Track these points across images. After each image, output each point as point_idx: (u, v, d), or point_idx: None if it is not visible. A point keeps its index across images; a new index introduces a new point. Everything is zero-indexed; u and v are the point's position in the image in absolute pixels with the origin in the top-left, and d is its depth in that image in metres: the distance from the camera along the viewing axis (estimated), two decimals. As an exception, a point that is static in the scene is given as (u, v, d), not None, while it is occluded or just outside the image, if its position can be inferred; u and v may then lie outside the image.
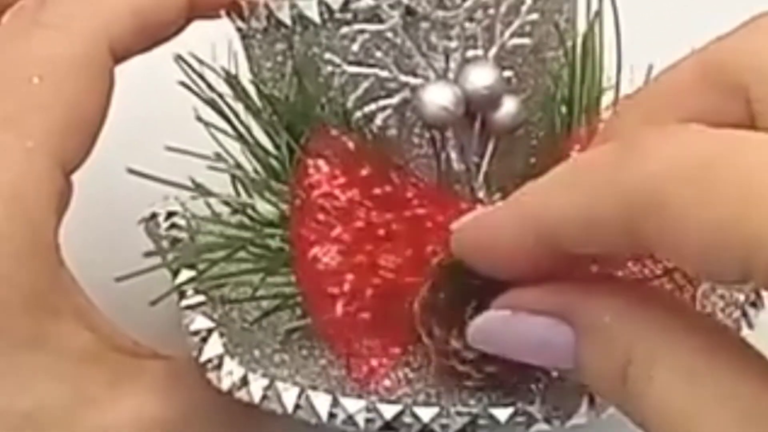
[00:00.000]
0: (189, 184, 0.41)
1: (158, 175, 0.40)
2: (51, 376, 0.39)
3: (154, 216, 0.44)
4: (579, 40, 0.41)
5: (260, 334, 0.40)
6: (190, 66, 0.41)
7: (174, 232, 0.43)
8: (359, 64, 0.39)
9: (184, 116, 0.41)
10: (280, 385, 0.37)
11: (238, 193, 0.42)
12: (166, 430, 0.40)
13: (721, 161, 0.28)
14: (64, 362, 0.39)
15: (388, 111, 0.39)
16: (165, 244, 0.42)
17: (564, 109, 0.41)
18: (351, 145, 0.39)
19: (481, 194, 0.40)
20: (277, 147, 0.40)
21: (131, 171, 0.39)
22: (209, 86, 0.41)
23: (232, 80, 0.40)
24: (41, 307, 0.39)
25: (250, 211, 0.41)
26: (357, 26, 0.39)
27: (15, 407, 0.38)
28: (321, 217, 0.38)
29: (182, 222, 0.43)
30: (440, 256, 0.38)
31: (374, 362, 0.38)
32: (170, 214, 0.44)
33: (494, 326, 0.35)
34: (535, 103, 0.41)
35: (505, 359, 0.36)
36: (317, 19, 0.39)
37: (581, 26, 0.42)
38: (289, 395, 0.37)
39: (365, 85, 0.39)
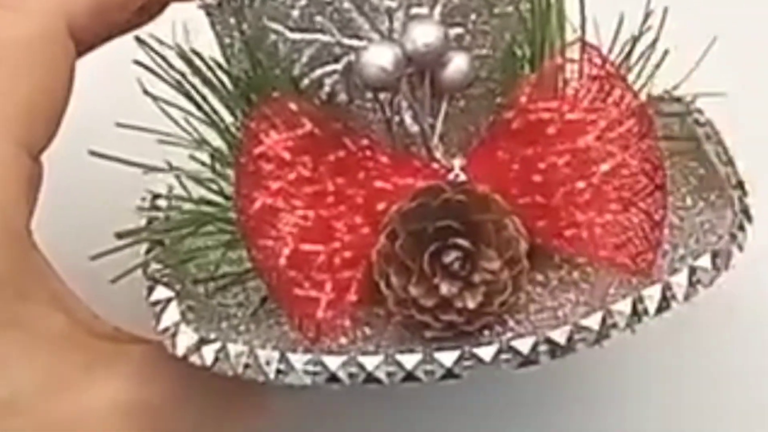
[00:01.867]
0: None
1: (123, 157, 0.40)
2: (25, 359, 0.39)
3: (143, 200, 0.44)
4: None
5: (233, 308, 0.40)
6: (149, 46, 0.41)
7: (153, 212, 0.43)
8: (302, 30, 0.39)
9: (144, 97, 0.41)
10: (230, 346, 0.37)
11: (214, 170, 0.42)
12: (143, 414, 0.40)
13: None
14: (38, 346, 0.39)
15: (335, 76, 0.39)
16: (142, 223, 0.43)
17: (527, 65, 0.40)
18: (296, 108, 0.38)
19: (438, 155, 0.39)
20: (238, 120, 0.40)
21: (93, 153, 0.40)
22: (170, 65, 0.41)
23: (187, 56, 0.41)
24: (13, 291, 0.39)
25: (213, 186, 0.41)
26: None
27: None
28: (266, 178, 0.38)
29: (164, 203, 0.43)
30: (399, 204, 0.38)
31: (321, 318, 0.38)
32: (155, 196, 0.44)
33: None
34: (495, 59, 0.40)
35: (458, 305, 0.36)
36: None
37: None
38: (239, 355, 0.37)
39: (310, 51, 0.39)
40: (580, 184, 0.39)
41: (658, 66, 0.41)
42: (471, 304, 0.37)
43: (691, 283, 0.37)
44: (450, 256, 0.37)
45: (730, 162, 0.42)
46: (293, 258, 0.38)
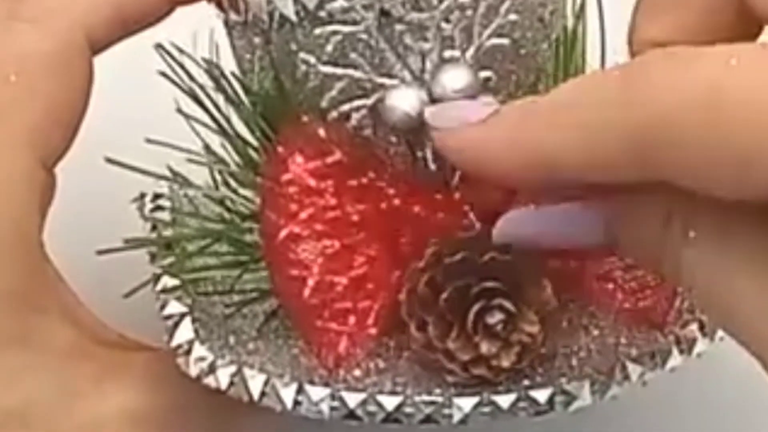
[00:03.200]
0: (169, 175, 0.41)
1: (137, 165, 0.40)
2: (37, 372, 0.39)
3: (143, 196, 0.44)
4: (563, 33, 0.41)
5: (238, 321, 0.41)
6: (170, 55, 0.41)
7: (157, 214, 0.43)
8: (334, 64, 0.38)
9: (166, 108, 0.40)
10: (247, 372, 0.37)
11: (216, 186, 0.42)
12: (153, 423, 0.40)
13: (726, 83, 0.29)
14: (50, 358, 0.40)
15: (363, 111, 0.39)
16: (147, 226, 0.43)
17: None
18: (326, 135, 0.39)
19: (457, 195, 0.40)
20: (257, 139, 0.40)
21: (109, 160, 0.40)
22: (189, 76, 0.40)
23: (213, 71, 0.40)
24: (26, 304, 0.39)
25: (228, 204, 0.41)
26: (331, 27, 0.38)
27: (2, 404, 0.39)
28: (293, 206, 0.38)
29: (167, 204, 0.43)
30: (438, 250, 0.38)
31: (343, 350, 0.38)
32: (157, 196, 0.44)
33: (523, 218, 0.35)
34: (518, 98, 0.40)
35: (493, 363, 0.37)
36: (293, 17, 0.38)
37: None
38: (255, 383, 0.37)
39: (340, 85, 0.39)
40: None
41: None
42: (505, 363, 0.37)
43: (702, 336, 0.39)
44: (494, 318, 0.37)
45: None
46: (317, 288, 0.38)
